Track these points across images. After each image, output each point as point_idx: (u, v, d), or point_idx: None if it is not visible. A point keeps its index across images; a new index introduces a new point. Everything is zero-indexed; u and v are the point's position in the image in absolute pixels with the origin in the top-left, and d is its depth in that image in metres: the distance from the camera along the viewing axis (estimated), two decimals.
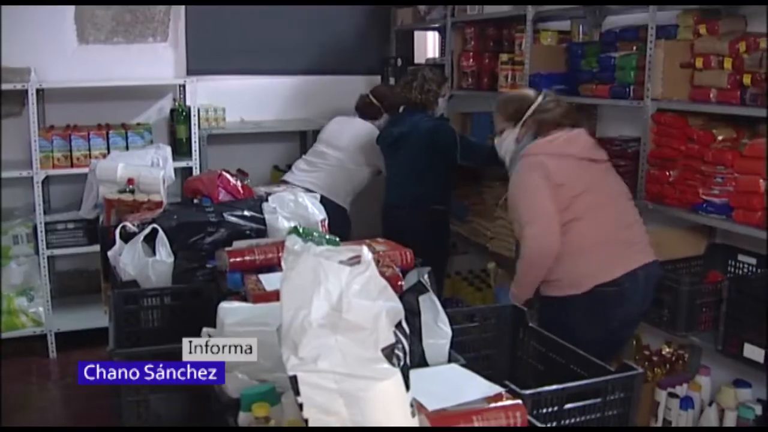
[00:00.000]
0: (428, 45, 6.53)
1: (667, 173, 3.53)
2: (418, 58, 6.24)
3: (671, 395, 3.44)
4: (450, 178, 4.57)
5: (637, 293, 3.12)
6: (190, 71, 5.54)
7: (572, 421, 1.88)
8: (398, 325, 1.37)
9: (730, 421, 3.24)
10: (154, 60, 5.50)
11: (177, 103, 5.37)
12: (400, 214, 4.54)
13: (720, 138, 3.34)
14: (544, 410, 1.82)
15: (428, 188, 4.48)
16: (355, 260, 1.34)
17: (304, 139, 6.03)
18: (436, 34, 6.16)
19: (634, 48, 3.88)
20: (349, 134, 4.95)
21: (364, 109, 5.03)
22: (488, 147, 4.53)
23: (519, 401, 1.56)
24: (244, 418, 1.56)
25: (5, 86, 4.70)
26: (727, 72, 3.32)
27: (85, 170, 4.05)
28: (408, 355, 1.37)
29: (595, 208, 3.12)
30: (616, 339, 3.25)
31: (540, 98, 3.32)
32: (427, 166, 4.43)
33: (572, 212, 3.08)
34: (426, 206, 4.49)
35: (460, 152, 4.40)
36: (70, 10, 5.25)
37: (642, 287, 3.13)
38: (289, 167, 5.67)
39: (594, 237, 3.10)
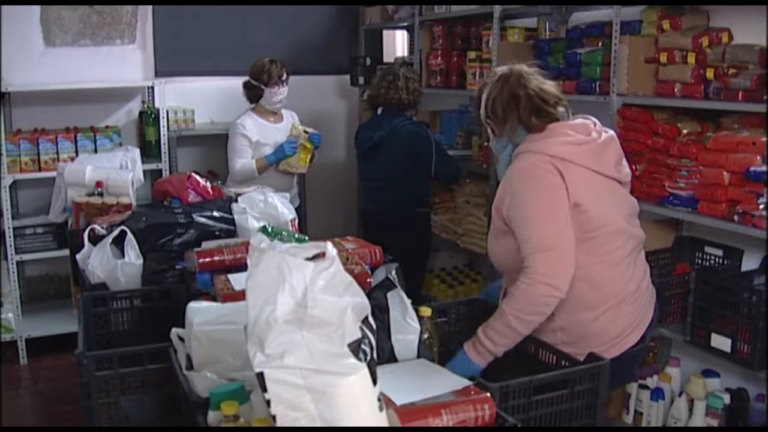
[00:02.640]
0: (397, 44, 6.54)
1: (634, 167, 3.56)
2: (387, 57, 6.24)
3: (642, 387, 3.48)
4: (429, 179, 4.57)
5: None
6: (159, 73, 5.51)
7: (540, 412, 1.90)
8: (364, 321, 1.39)
9: (699, 410, 3.28)
10: (122, 62, 5.46)
11: (146, 105, 5.34)
12: (380, 218, 4.54)
13: (685, 132, 3.38)
14: (512, 402, 1.84)
15: (410, 191, 4.47)
16: (321, 257, 1.35)
17: None
18: (405, 32, 6.18)
19: (600, 44, 3.92)
20: None
21: (250, 95, 4.82)
22: (459, 168, 4.64)
23: (487, 394, 1.58)
24: (213, 417, 1.56)
25: None
26: (691, 66, 3.37)
27: (54, 174, 4.02)
28: (374, 349, 1.39)
29: (620, 244, 2.45)
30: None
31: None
32: (408, 169, 4.43)
33: (598, 248, 2.40)
34: (409, 209, 4.49)
35: (435, 165, 4.41)
36: (35, 12, 5.20)
37: None
38: None
39: (622, 281, 2.46)
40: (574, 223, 2.32)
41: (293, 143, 4.64)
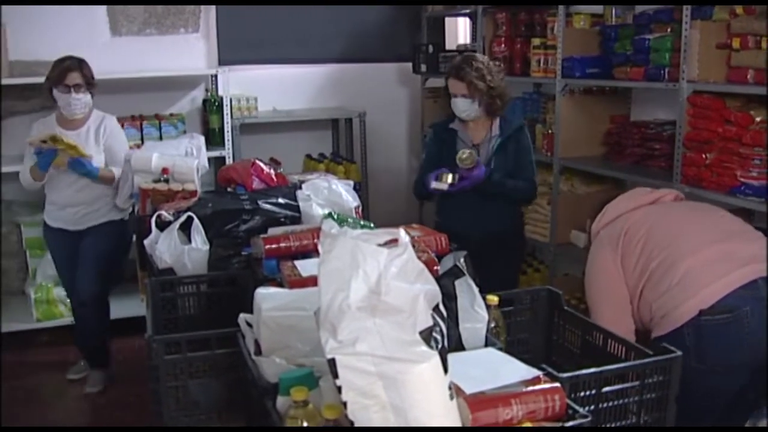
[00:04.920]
0: (459, 31, 6.50)
1: (704, 156, 3.49)
2: (449, 45, 6.21)
3: None
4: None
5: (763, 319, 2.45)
6: (222, 61, 5.57)
7: (610, 404, 1.86)
8: (435, 308, 1.37)
9: None
10: (186, 51, 5.54)
11: (209, 94, 5.41)
12: None
13: (758, 119, 3.30)
14: (582, 393, 1.81)
15: None
16: (393, 243, 1.34)
17: (336, 128, 6.05)
18: (467, 19, 6.13)
19: (669, 30, 3.83)
20: None
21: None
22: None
23: (557, 384, 1.55)
24: (282, 402, 1.56)
25: (37, 80, 4.75)
26: (765, 52, 3.27)
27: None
28: (445, 338, 1.37)
29: (670, 238, 2.67)
30: (751, 391, 2.59)
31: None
32: None
33: (649, 256, 2.67)
34: None
35: None
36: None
37: None
38: (322, 156, 5.69)
39: (681, 263, 2.58)
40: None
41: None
